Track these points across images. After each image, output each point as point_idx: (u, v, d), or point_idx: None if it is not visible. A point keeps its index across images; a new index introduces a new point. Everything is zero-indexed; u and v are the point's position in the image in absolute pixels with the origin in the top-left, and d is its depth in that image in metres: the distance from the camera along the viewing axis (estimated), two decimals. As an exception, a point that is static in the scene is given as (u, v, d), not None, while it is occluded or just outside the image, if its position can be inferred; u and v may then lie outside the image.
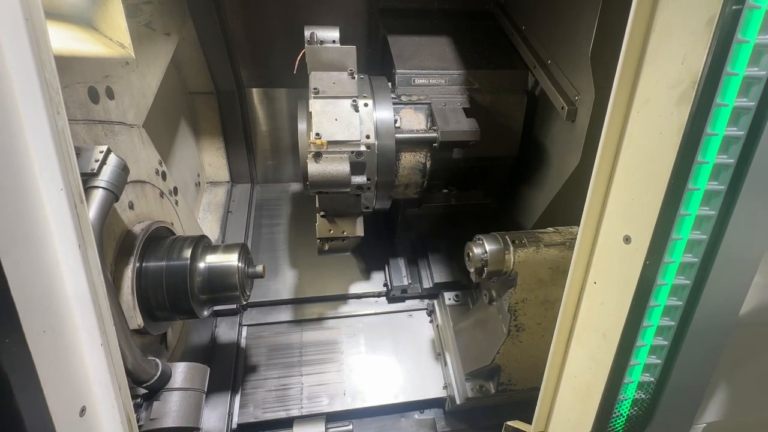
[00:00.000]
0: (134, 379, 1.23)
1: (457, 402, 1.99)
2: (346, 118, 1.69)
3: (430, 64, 2.02)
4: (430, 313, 2.42)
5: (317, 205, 1.87)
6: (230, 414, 1.99)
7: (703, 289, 0.87)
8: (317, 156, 1.63)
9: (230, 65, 2.53)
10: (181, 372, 1.39)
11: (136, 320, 1.34)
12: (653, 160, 0.83)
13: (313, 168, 1.61)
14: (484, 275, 1.63)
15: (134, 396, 1.29)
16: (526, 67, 2.05)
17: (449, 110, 1.92)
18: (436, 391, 2.13)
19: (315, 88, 1.73)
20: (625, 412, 1.01)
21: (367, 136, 1.69)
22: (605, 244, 0.97)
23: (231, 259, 1.52)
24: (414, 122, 1.90)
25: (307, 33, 1.80)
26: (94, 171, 1.11)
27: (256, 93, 2.78)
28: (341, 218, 1.90)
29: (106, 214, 1.10)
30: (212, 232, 2.58)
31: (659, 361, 0.95)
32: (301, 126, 1.83)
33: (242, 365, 2.17)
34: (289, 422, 1.98)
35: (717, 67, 0.72)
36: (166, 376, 1.34)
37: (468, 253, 1.68)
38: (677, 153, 0.78)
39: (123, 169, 1.18)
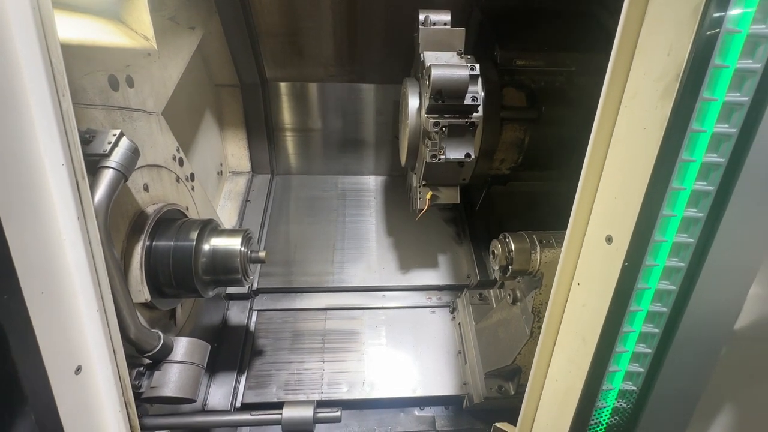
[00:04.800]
0: (137, 348, 1.32)
1: (475, 401, 1.99)
2: None
3: (529, 47, 2.16)
4: (453, 310, 2.41)
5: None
6: (235, 392, 2.08)
7: (690, 296, 0.82)
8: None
9: (254, 60, 2.62)
10: (182, 346, 1.47)
11: (143, 294, 1.43)
12: (636, 156, 0.79)
13: (438, 72, 1.74)
14: (508, 274, 1.60)
15: (139, 365, 1.38)
16: None
17: (548, 90, 2.09)
18: (454, 389, 2.13)
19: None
20: (604, 420, 0.97)
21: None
22: (590, 244, 0.94)
23: (234, 243, 1.59)
24: (516, 100, 2.08)
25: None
26: (106, 152, 1.19)
27: (283, 87, 2.85)
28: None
29: (114, 192, 1.18)
30: (230, 219, 2.69)
31: (642, 370, 0.91)
32: (413, 102, 1.97)
33: (250, 348, 2.26)
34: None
35: (702, 58, 0.67)
36: (167, 349, 1.42)
37: (493, 251, 1.66)
38: (659, 149, 0.74)
39: (134, 152, 1.26)
